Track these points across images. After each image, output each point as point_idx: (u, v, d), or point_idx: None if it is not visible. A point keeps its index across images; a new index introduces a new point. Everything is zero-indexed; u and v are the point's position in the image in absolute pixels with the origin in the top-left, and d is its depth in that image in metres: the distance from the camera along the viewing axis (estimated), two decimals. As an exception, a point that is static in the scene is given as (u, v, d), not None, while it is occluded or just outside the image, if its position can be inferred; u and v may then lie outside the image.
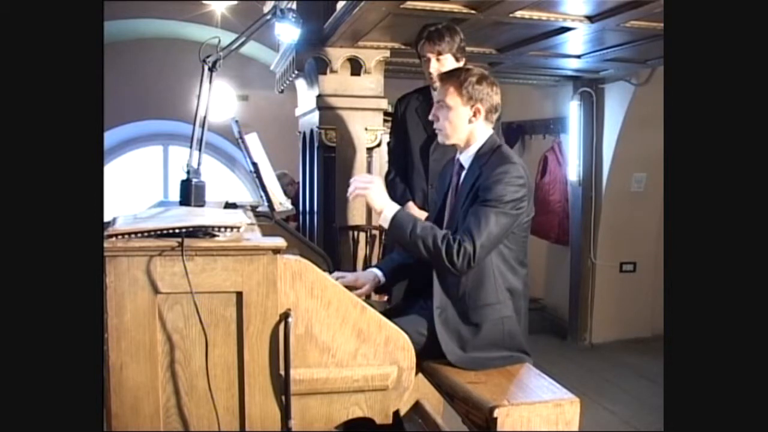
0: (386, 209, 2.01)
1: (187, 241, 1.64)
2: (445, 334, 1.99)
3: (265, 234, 1.89)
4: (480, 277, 2.00)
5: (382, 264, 2.38)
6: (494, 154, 2.06)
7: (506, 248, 2.02)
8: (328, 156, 4.02)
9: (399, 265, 2.29)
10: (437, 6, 3.10)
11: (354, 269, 3.55)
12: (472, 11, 3.15)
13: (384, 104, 4.06)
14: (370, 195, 2.02)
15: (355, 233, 3.97)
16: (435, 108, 2.13)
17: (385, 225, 2.01)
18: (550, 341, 5.61)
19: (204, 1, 5.63)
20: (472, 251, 1.92)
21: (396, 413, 1.89)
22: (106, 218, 1.77)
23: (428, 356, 1.99)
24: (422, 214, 2.76)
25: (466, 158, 2.12)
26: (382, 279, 2.23)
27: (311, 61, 3.97)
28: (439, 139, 2.16)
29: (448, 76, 2.13)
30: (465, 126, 2.07)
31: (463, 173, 2.12)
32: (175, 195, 3.20)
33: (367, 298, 2.18)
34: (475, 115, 2.06)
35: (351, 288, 2.08)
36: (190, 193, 2.05)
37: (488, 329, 2.00)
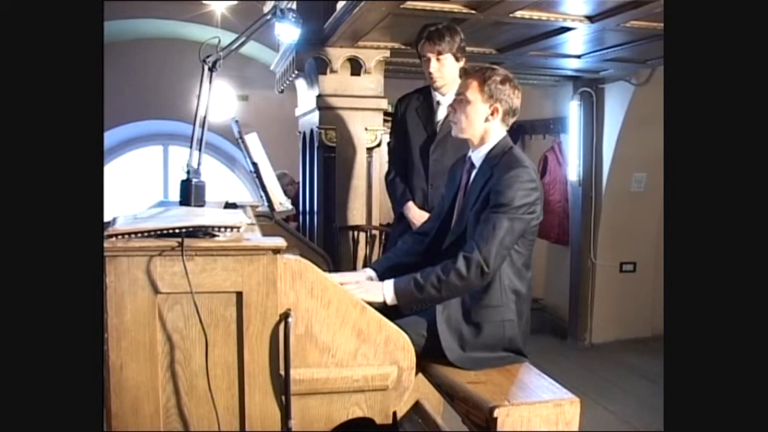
0: (385, 293, 1.98)
1: (187, 241, 1.64)
2: (447, 332, 1.99)
3: (265, 234, 1.89)
4: None
5: (376, 264, 2.38)
6: (506, 155, 2.05)
7: (515, 252, 2.02)
8: (328, 156, 4.02)
9: (394, 265, 2.28)
10: (437, 6, 3.10)
11: (354, 269, 3.54)
12: (472, 11, 3.15)
13: (384, 104, 4.06)
14: (365, 298, 1.94)
15: (355, 233, 3.98)
16: (454, 100, 2.13)
17: (394, 302, 1.98)
18: (550, 341, 5.61)
19: (204, 1, 5.63)
20: (482, 260, 1.91)
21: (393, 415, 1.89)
22: (106, 218, 1.77)
23: (428, 357, 1.99)
24: (423, 215, 2.76)
25: (477, 157, 2.12)
26: (375, 278, 2.22)
27: (311, 61, 3.97)
28: (452, 131, 2.16)
29: (472, 71, 2.11)
30: (481, 123, 2.07)
31: (474, 172, 2.12)
32: (175, 195, 3.20)
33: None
34: (492, 114, 2.06)
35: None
36: (190, 193, 2.05)
37: (489, 330, 2.00)
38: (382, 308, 1.99)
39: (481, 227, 1.96)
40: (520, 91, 2.10)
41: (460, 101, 2.08)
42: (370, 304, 1.88)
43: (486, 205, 1.99)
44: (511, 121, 2.12)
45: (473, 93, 2.05)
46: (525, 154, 2.12)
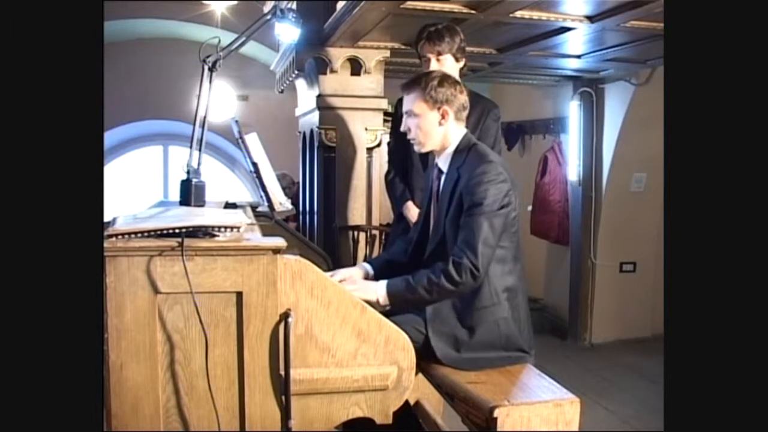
0: (378, 293, 1.99)
1: (187, 241, 1.64)
2: (438, 339, 1.99)
3: (265, 234, 1.89)
4: None
5: (372, 260, 2.38)
6: (470, 153, 2.05)
7: (500, 248, 2.01)
8: (328, 156, 4.02)
9: (389, 262, 2.29)
10: (437, 6, 3.10)
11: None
12: (472, 11, 3.15)
13: (384, 104, 4.06)
14: (359, 296, 1.95)
15: (355, 233, 3.98)
16: (404, 119, 2.11)
17: (386, 302, 1.99)
18: (550, 341, 5.61)
19: (204, 1, 5.63)
20: (471, 263, 1.91)
21: (407, 407, 1.87)
22: (106, 218, 1.77)
23: (428, 355, 1.99)
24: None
25: (443, 161, 2.12)
26: (371, 272, 2.23)
27: (311, 61, 3.97)
28: (415, 148, 2.15)
29: (409, 85, 2.10)
30: (437, 130, 2.07)
31: (443, 177, 2.12)
32: (175, 195, 3.20)
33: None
34: (443, 117, 2.05)
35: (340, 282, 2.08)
36: (190, 193, 2.05)
37: (483, 332, 2.00)
38: (382, 309, 1.99)
39: (462, 233, 1.96)
40: (461, 85, 2.10)
41: (410, 116, 2.08)
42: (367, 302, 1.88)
43: (460, 209, 1.99)
44: (465, 116, 2.11)
45: (418, 105, 2.05)
46: (488, 149, 2.11)
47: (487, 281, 2.00)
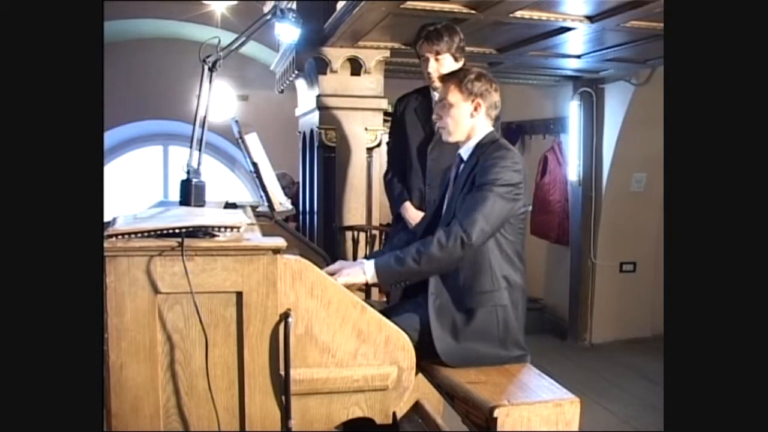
0: (366, 273, 2.01)
1: (187, 241, 1.64)
2: (437, 322, 1.99)
3: (265, 234, 1.89)
4: (476, 265, 2.02)
5: (371, 255, 2.39)
6: (492, 145, 2.12)
7: (503, 238, 2.04)
8: (328, 156, 4.02)
9: None
10: (437, 6, 3.10)
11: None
12: (472, 11, 3.16)
13: (384, 104, 4.06)
14: (348, 280, 1.99)
15: (355, 233, 3.98)
16: (437, 107, 2.19)
17: (376, 280, 2.01)
18: (550, 341, 5.61)
19: (204, 1, 5.63)
20: (463, 231, 1.94)
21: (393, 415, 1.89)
22: (106, 218, 1.77)
23: (426, 355, 1.99)
24: (419, 215, 2.76)
25: (465, 150, 2.17)
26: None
27: (311, 61, 3.97)
28: (443, 137, 2.21)
29: (448, 76, 2.21)
30: (467, 121, 2.13)
31: (462, 165, 2.17)
32: (175, 195, 3.20)
33: (366, 297, 2.19)
34: (476, 109, 2.12)
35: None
36: (190, 193, 2.05)
37: (482, 316, 2.00)
38: (381, 308, 1.99)
39: (465, 204, 2.01)
40: (497, 84, 2.17)
41: (443, 106, 2.16)
42: (369, 298, 1.89)
43: (472, 188, 2.04)
44: (495, 115, 2.18)
45: (453, 95, 2.13)
46: (510, 145, 2.17)
47: (488, 266, 2.02)
